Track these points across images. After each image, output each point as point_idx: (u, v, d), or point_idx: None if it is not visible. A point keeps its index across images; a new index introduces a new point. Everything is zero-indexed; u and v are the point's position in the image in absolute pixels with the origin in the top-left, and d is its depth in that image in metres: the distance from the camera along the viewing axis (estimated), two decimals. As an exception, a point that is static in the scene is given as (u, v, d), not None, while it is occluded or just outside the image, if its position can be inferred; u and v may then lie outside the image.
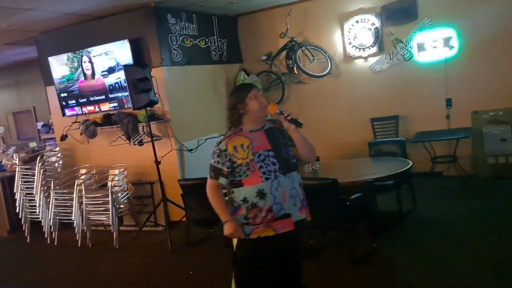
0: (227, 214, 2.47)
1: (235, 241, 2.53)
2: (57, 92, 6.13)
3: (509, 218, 4.43)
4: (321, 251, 4.28)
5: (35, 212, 5.84)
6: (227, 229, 2.45)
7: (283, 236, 2.48)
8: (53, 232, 5.68)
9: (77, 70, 5.89)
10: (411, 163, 4.48)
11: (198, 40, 6.26)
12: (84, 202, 5.38)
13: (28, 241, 5.92)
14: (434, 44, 5.94)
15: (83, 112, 6.03)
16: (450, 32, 5.86)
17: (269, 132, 2.53)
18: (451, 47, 5.88)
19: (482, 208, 4.81)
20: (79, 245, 5.38)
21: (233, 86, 6.88)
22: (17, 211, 5.98)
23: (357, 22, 6.37)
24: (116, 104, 5.77)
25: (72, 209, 5.47)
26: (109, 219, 5.24)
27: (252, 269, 2.52)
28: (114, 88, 5.70)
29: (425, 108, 6.19)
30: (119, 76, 5.55)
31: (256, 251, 2.49)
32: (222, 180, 2.48)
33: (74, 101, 6.07)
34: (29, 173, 5.88)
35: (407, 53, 6.15)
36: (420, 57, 6.08)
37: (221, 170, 2.46)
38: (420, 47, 6.04)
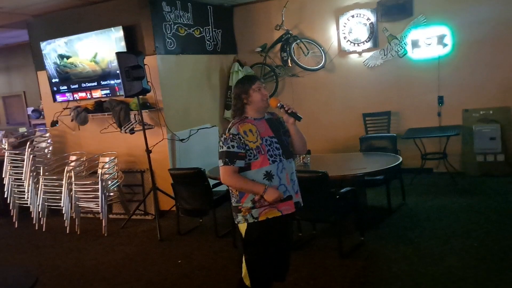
0: (261, 184, 2.54)
1: (243, 227, 2.61)
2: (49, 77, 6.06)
3: (495, 215, 4.51)
4: (309, 243, 4.32)
5: (24, 197, 5.80)
6: (271, 195, 2.52)
7: (287, 217, 2.65)
8: (42, 218, 5.65)
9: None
10: (401, 159, 4.51)
11: (192, 29, 6.21)
12: (73, 189, 5.35)
13: (16, 226, 5.89)
14: (428, 41, 5.97)
15: (75, 99, 5.98)
16: (444, 30, 5.89)
17: (270, 121, 2.71)
18: (445, 45, 5.92)
19: (469, 205, 4.87)
20: (67, 232, 5.36)
21: (226, 77, 6.86)
22: (5, 196, 5.93)
23: (352, 16, 6.37)
24: (108, 91, 5.73)
25: (61, 196, 5.44)
26: (98, 206, 5.23)
27: (263, 251, 2.64)
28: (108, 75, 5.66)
29: (417, 105, 6.24)
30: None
31: (265, 232, 2.60)
32: (240, 163, 2.54)
33: (65, 87, 6.01)
34: (18, 158, 5.83)
35: (401, 49, 6.17)
36: (414, 54, 6.10)
37: (237, 154, 2.53)
38: (414, 44, 6.06)
